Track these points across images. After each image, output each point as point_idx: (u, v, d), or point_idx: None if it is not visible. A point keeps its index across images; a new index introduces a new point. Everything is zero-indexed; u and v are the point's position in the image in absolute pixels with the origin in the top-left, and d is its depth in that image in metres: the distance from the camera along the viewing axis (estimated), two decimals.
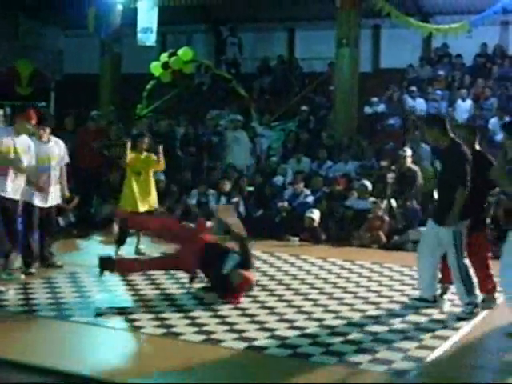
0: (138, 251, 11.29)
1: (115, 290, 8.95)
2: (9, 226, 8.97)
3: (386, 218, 12.69)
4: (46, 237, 9.98)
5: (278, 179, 14.96)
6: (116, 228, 13.22)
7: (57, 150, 9.89)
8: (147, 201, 11.22)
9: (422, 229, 12.24)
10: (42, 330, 7.35)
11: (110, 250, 11.39)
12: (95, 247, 11.98)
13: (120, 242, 11.16)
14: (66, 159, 10.10)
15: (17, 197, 9.09)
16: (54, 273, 9.64)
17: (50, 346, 6.72)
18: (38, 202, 9.63)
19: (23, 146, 9.16)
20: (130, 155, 11.16)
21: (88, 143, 14.32)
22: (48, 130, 9.83)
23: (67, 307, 7.97)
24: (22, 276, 9.36)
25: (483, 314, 7.79)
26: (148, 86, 18.32)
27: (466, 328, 7.32)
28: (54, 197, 9.91)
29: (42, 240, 9.93)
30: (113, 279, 9.52)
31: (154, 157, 11.37)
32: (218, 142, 16.66)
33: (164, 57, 18.14)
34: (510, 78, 17.74)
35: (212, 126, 17.44)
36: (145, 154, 11.34)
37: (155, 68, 18.13)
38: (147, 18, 18.56)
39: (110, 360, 6.31)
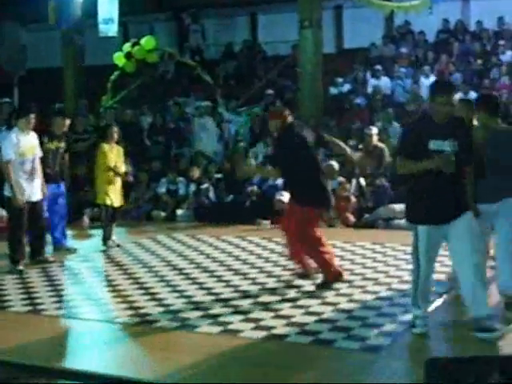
0: (111, 243, 11.25)
1: (89, 282, 8.94)
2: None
3: (353, 197, 12.73)
4: (37, 231, 9.90)
5: (250, 161, 14.93)
6: (87, 221, 13.24)
7: (35, 140, 9.84)
8: (114, 197, 11.21)
9: (392, 206, 12.39)
10: (15, 325, 7.30)
11: (81, 244, 11.44)
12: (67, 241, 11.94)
13: (106, 236, 11.16)
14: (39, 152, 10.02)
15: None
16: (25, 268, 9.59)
17: (26, 341, 6.69)
18: (25, 196, 9.54)
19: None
20: (103, 148, 11.10)
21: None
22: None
23: (40, 301, 7.93)
24: None
25: None
26: (112, 77, 18.20)
27: None
28: (39, 190, 9.83)
29: (32, 235, 9.87)
30: (85, 271, 9.53)
31: (121, 151, 11.34)
32: (185, 129, 16.61)
33: (127, 47, 18.01)
34: (472, 53, 17.85)
35: (177, 113, 17.36)
36: (115, 146, 11.27)
37: (118, 58, 18.01)
38: (108, 9, 18.40)
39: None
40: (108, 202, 11.12)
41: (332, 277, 8.20)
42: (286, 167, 8.15)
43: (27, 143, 9.52)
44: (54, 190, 10.47)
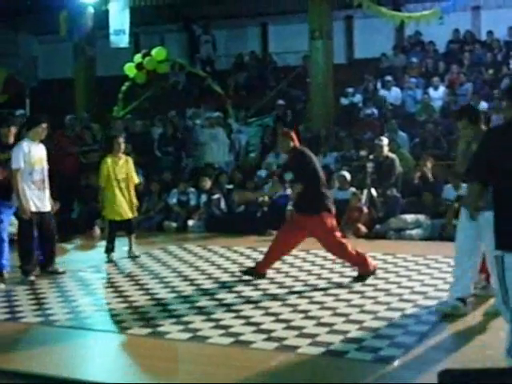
0: (131, 254, 11.26)
1: (100, 293, 8.95)
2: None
3: (365, 208, 12.73)
4: (49, 242, 9.87)
5: (262, 172, 14.94)
6: (98, 232, 13.27)
7: (44, 152, 9.86)
8: (126, 210, 11.19)
9: (403, 216, 12.37)
10: (26, 336, 7.30)
11: (92, 255, 11.45)
12: (77, 252, 11.97)
13: (109, 248, 11.16)
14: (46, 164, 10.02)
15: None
16: (37, 278, 9.59)
17: (36, 352, 6.69)
18: (34, 207, 9.54)
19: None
20: (106, 161, 11.09)
21: (65, 148, 14.29)
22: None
23: (52, 312, 7.93)
24: (2, 285, 9.24)
25: None
26: (123, 88, 18.29)
27: None
28: (48, 201, 9.81)
29: (44, 246, 9.84)
30: (97, 282, 9.54)
31: (130, 162, 11.33)
32: (196, 140, 16.62)
33: (138, 58, 18.10)
34: (483, 63, 17.84)
35: (189, 124, 17.39)
36: (123, 157, 11.25)
37: (129, 69, 18.10)
38: (119, 20, 18.48)
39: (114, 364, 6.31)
40: (112, 217, 11.12)
41: (368, 270, 8.88)
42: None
43: (37, 154, 9.54)
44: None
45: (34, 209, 9.49)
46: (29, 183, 9.44)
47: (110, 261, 10.99)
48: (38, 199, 9.56)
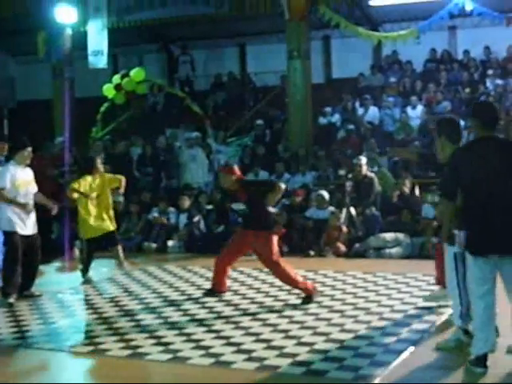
0: (121, 268, 11.28)
1: (79, 315, 8.90)
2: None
3: (344, 227, 12.77)
4: (31, 267, 9.77)
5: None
6: (77, 253, 13.20)
7: (30, 175, 9.83)
8: (105, 223, 11.18)
9: (383, 235, 12.41)
10: (4, 358, 7.25)
11: (71, 276, 11.39)
12: (57, 273, 11.91)
13: (85, 267, 11.12)
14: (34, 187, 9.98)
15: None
16: (15, 301, 9.52)
17: (13, 375, 6.63)
18: (21, 230, 9.52)
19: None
20: (84, 181, 11.10)
21: (43, 171, 14.21)
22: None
23: (30, 334, 7.88)
24: None
25: None
26: (102, 109, 18.24)
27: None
28: (34, 225, 9.79)
29: (26, 270, 9.70)
30: (76, 304, 9.50)
31: (108, 175, 11.37)
32: (175, 161, 16.60)
33: (116, 78, 18.07)
34: (460, 82, 17.98)
35: (167, 145, 17.36)
36: (98, 177, 11.26)
37: (108, 90, 18.06)
38: (97, 41, 18.47)
39: None
40: (88, 236, 11.11)
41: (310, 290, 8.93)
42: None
43: (21, 177, 9.53)
44: None
45: (21, 231, 9.47)
46: (12, 206, 9.41)
47: (86, 281, 10.94)
48: (23, 222, 9.53)
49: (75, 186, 11.11)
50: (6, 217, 9.43)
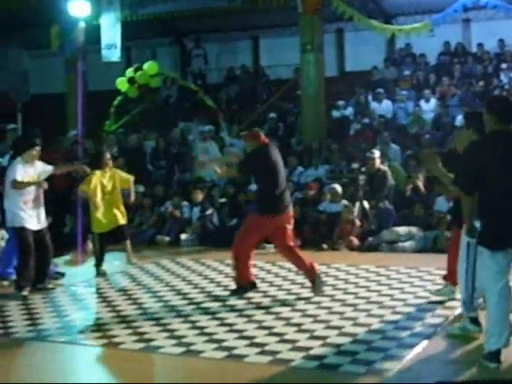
0: (129, 262, 11.33)
1: (92, 308, 8.93)
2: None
3: (357, 221, 12.74)
4: (43, 260, 9.79)
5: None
6: (91, 246, 13.23)
7: (40, 169, 9.85)
8: (115, 218, 11.20)
9: (396, 229, 12.38)
10: (19, 351, 7.27)
11: (85, 269, 11.42)
12: (70, 266, 11.93)
13: (98, 261, 11.16)
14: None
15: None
16: (29, 293, 9.55)
17: (27, 367, 6.66)
18: (30, 225, 9.57)
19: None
20: (95, 176, 11.11)
21: (56, 165, 14.24)
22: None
23: (44, 327, 7.91)
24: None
25: None
26: (115, 102, 18.27)
27: None
28: (44, 218, 9.85)
29: (39, 264, 9.73)
30: (89, 297, 9.53)
31: (119, 173, 11.38)
32: (188, 154, 16.60)
33: (129, 72, 18.10)
34: (473, 75, 17.90)
35: (174, 138, 17.33)
36: (108, 171, 11.28)
37: (121, 83, 18.09)
38: (110, 34, 18.46)
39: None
40: (99, 230, 11.14)
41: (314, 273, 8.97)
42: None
43: (29, 174, 9.55)
44: None
45: (30, 226, 9.51)
46: (20, 204, 9.45)
47: (100, 274, 10.99)
48: (32, 218, 9.57)
49: (84, 188, 11.12)
50: (14, 213, 9.49)
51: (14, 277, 9.96)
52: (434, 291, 8.51)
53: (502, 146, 5.88)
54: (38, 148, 9.67)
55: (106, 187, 11.14)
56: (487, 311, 6.09)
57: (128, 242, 11.43)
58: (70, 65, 19.70)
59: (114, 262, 11.49)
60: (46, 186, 9.62)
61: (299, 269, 9.15)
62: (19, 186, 9.39)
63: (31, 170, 9.61)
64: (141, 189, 13.36)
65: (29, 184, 9.45)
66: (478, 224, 5.98)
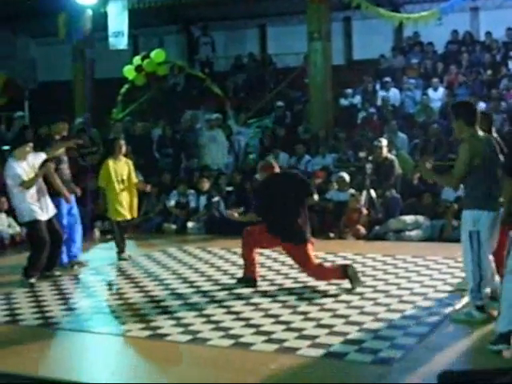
0: (126, 256, 11.34)
1: (100, 296, 8.96)
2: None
3: (364, 209, 12.72)
4: (54, 248, 9.78)
5: (259, 175, 14.90)
6: (97, 234, 13.29)
7: (36, 162, 9.83)
8: (133, 208, 11.28)
9: (403, 218, 12.37)
10: (26, 338, 7.30)
11: (92, 257, 11.44)
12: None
13: (120, 248, 11.24)
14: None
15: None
16: (36, 281, 9.58)
17: (38, 355, 6.69)
18: (42, 217, 9.58)
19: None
20: (107, 163, 11.13)
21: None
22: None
23: (51, 315, 7.94)
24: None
25: None
26: (122, 90, 18.29)
27: None
28: (52, 206, 9.86)
29: (50, 251, 9.75)
30: (97, 285, 9.55)
31: (130, 163, 11.39)
32: (195, 142, 16.60)
33: (137, 60, 18.11)
34: (481, 64, 17.84)
35: (188, 126, 17.33)
36: (122, 159, 11.31)
37: (128, 71, 18.10)
38: (118, 22, 18.46)
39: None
40: (117, 218, 11.16)
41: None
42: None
43: (26, 170, 9.50)
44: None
45: (42, 218, 9.54)
46: (27, 199, 9.44)
47: (122, 259, 11.09)
48: (41, 208, 9.58)
49: (101, 183, 11.25)
50: (26, 208, 9.50)
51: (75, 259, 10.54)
52: (458, 283, 8.44)
53: None
54: (30, 144, 9.62)
55: (122, 175, 11.16)
56: (502, 294, 6.08)
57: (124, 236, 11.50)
58: (77, 52, 19.77)
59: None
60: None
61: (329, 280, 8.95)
62: (28, 185, 9.40)
63: (24, 165, 9.53)
64: (140, 177, 13.34)
65: (35, 179, 9.45)
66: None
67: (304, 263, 8.76)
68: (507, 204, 6.25)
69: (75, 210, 10.72)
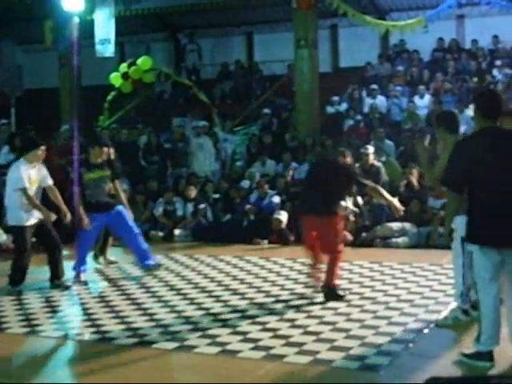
0: (107, 261, 11.31)
1: (86, 303, 8.92)
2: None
3: (351, 216, 12.73)
4: (54, 252, 9.74)
5: (245, 183, 14.95)
6: None
7: (43, 172, 9.77)
8: None
9: (389, 224, 12.39)
10: (12, 346, 7.26)
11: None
12: (65, 262, 11.91)
13: (101, 251, 11.30)
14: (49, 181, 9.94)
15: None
16: (23, 289, 9.54)
17: (22, 363, 6.66)
18: (30, 222, 9.53)
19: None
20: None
21: (52, 160, 14.22)
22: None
23: (38, 322, 7.90)
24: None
25: None
26: (109, 97, 18.26)
27: None
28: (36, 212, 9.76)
29: (51, 257, 9.75)
30: (83, 292, 9.51)
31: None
32: (182, 149, 16.58)
33: (123, 67, 18.09)
34: (467, 71, 17.92)
35: (177, 133, 17.29)
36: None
37: (115, 79, 18.08)
38: (104, 29, 18.42)
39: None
40: None
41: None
42: None
43: (35, 176, 9.52)
44: (103, 220, 10.39)
45: (30, 224, 9.51)
46: (22, 202, 9.40)
47: (97, 263, 11.20)
48: (31, 215, 9.54)
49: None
50: (16, 212, 9.46)
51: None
52: None
53: (490, 143, 5.79)
54: (43, 148, 9.60)
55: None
56: (482, 312, 5.99)
57: (111, 239, 11.49)
58: (64, 60, 19.68)
59: (108, 257, 11.48)
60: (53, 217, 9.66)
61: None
62: (26, 198, 9.36)
63: (34, 171, 9.51)
64: (125, 186, 13.28)
65: (33, 206, 9.44)
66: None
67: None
68: (450, 217, 6.22)
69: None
